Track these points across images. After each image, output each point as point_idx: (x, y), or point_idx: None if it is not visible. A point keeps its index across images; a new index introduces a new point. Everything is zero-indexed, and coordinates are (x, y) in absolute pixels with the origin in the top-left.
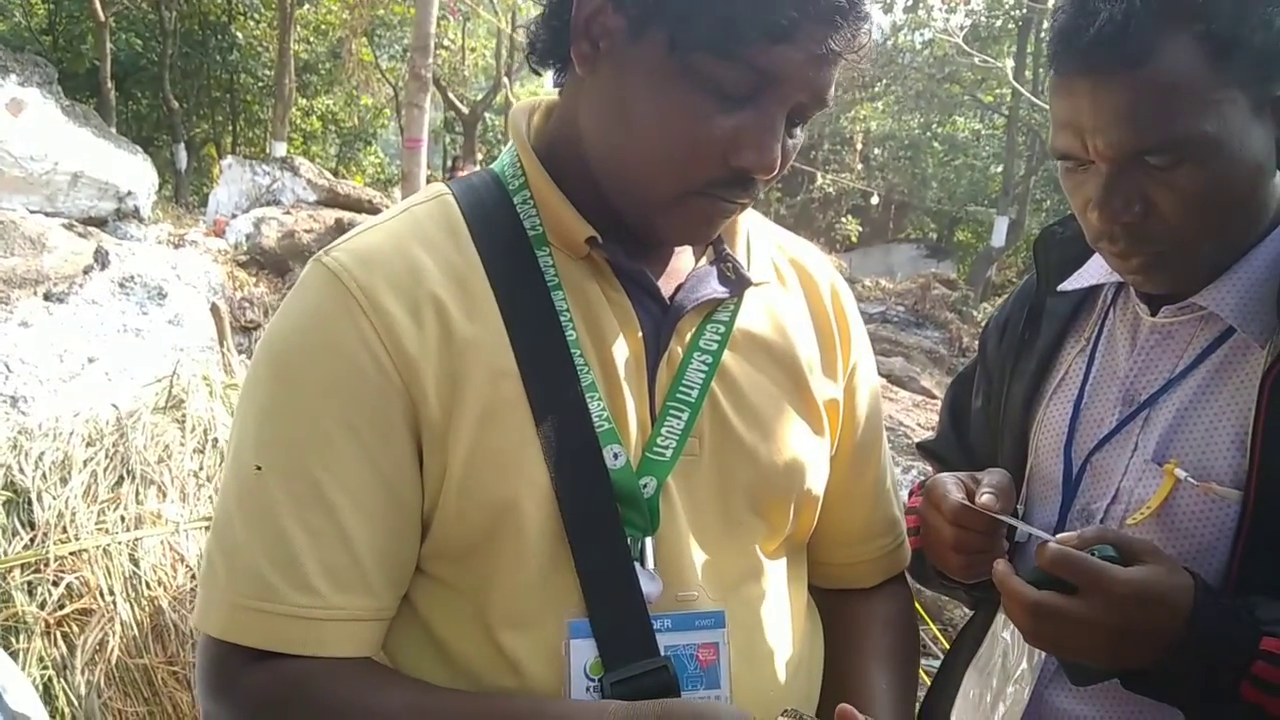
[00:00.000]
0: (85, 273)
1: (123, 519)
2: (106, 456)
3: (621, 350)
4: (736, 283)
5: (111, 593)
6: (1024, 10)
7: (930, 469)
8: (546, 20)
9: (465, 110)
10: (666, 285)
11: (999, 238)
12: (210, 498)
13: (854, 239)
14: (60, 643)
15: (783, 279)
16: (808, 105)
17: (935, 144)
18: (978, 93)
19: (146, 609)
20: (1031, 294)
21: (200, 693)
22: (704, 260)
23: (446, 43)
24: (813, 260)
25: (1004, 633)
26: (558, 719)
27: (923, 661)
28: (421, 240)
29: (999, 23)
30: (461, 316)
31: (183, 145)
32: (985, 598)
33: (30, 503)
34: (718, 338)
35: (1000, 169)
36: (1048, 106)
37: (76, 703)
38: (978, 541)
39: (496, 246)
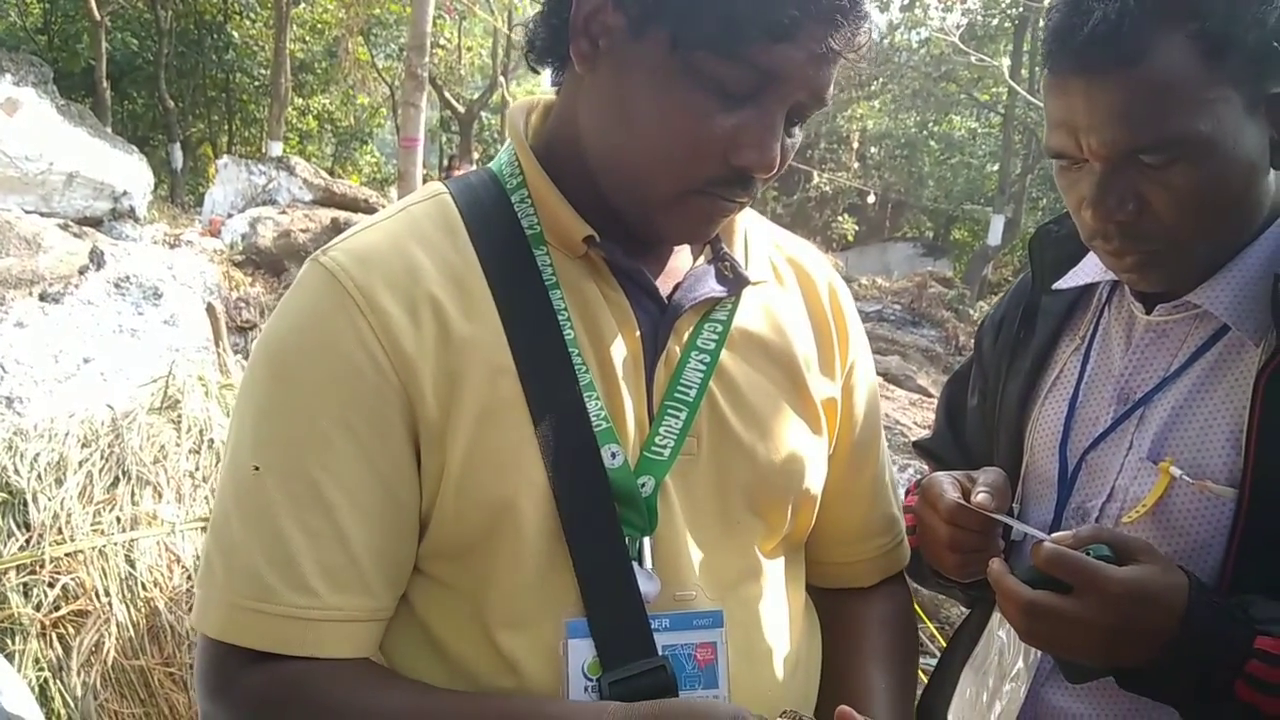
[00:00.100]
0: (81, 273)
1: (118, 520)
2: (102, 457)
3: (619, 349)
4: (734, 282)
5: (107, 594)
6: (1020, 9)
7: (926, 468)
8: (545, 18)
9: (461, 109)
10: (664, 284)
11: (995, 236)
12: (206, 498)
13: (850, 238)
14: (56, 644)
15: (780, 278)
16: (807, 104)
17: (931, 143)
18: (974, 91)
19: (142, 610)
20: (1027, 292)
21: (199, 693)
22: (702, 259)
23: (443, 42)
24: (810, 259)
25: (1000, 631)
26: (554, 717)
27: (920, 660)
28: (419, 239)
29: (995, 21)
30: (459, 316)
31: (178, 145)
32: (981, 596)
33: (25, 504)
34: (715, 337)
35: (996, 168)
36: (1043, 105)
37: (72, 704)
38: (973, 540)
39: (494, 246)
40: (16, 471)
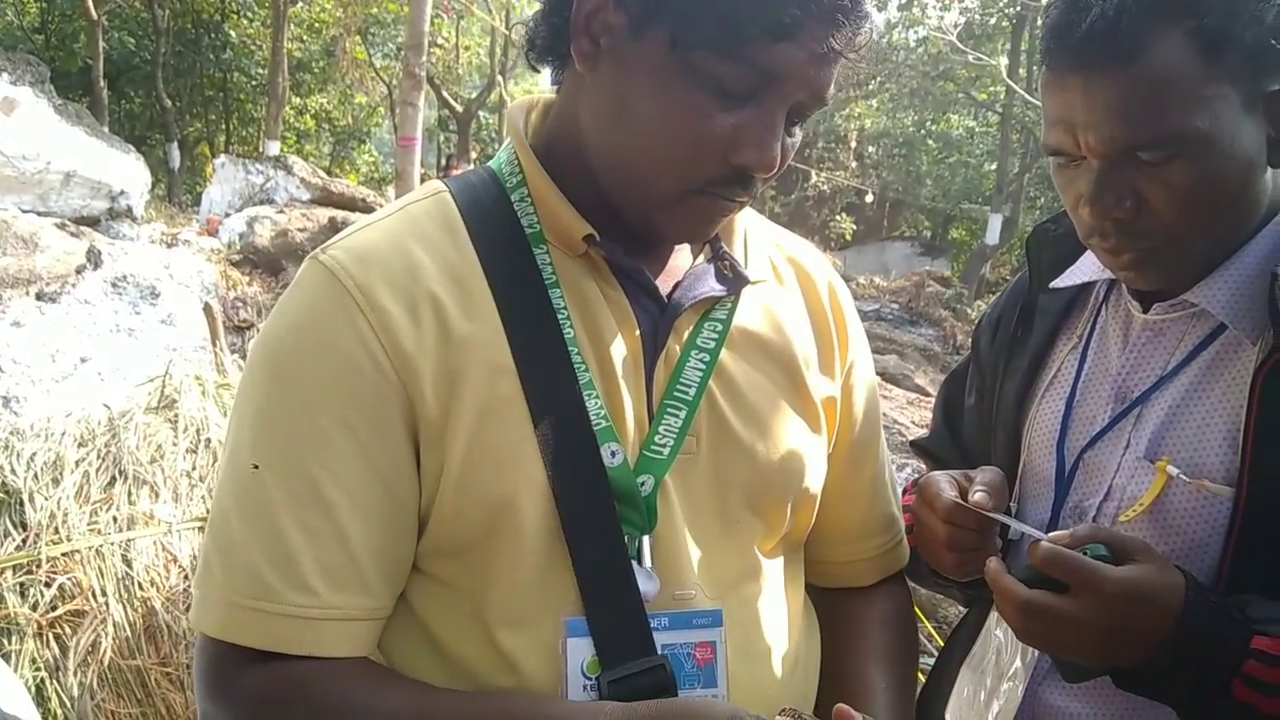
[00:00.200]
0: (78, 272)
1: (115, 520)
2: (99, 457)
3: (619, 348)
4: (734, 281)
5: (104, 594)
6: (1018, 8)
7: (924, 467)
8: (546, 17)
9: (459, 108)
10: (664, 283)
11: (993, 235)
12: (203, 498)
13: (848, 237)
14: (53, 644)
15: (780, 277)
16: (807, 104)
17: (929, 141)
18: (972, 90)
19: (139, 610)
20: (1024, 291)
21: (197, 692)
22: (701, 258)
23: (440, 41)
24: (810, 258)
25: (998, 630)
26: (552, 718)
27: (918, 659)
28: (419, 238)
29: (993, 20)
30: (459, 314)
31: (176, 144)
32: (979, 596)
33: (22, 504)
34: (715, 336)
35: (994, 166)
36: (1041, 104)
37: (69, 704)
38: (971, 539)
39: (494, 244)
40: (13, 471)
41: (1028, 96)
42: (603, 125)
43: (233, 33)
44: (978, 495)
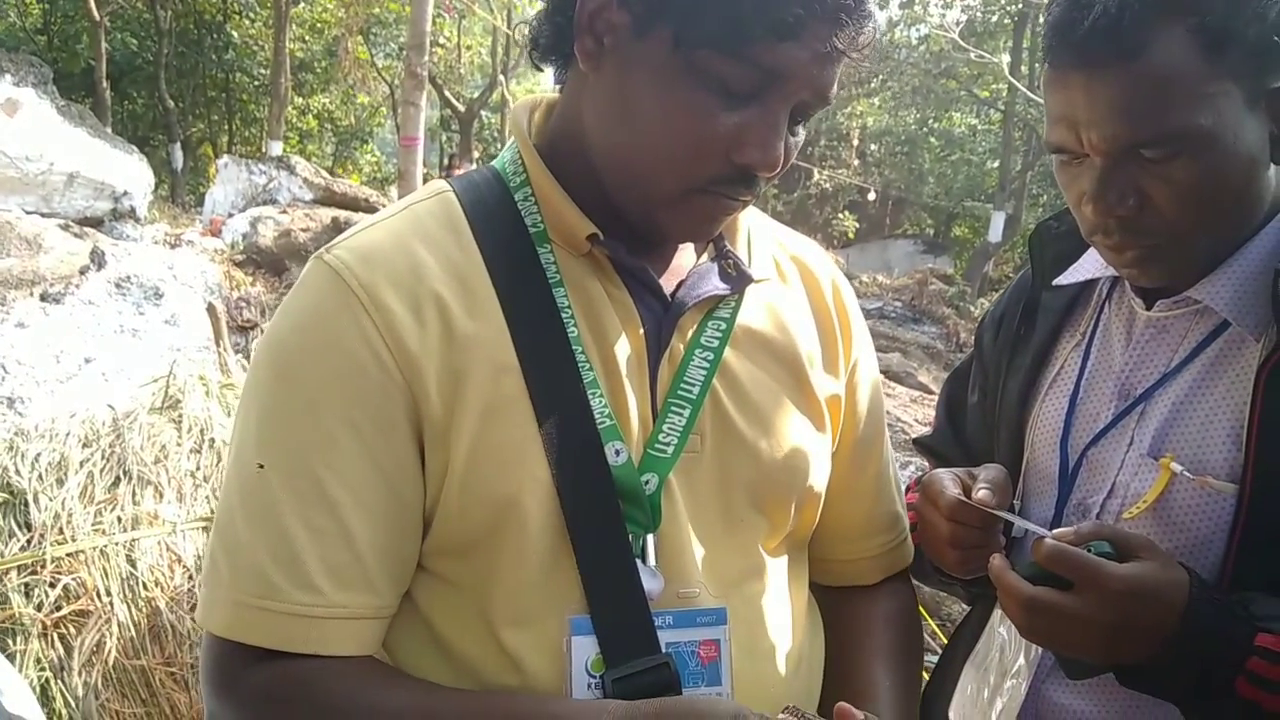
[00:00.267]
0: (81, 273)
1: (119, 520)
2: (103, 457)
3: (623, 347)
4: (738, 280)
5: (108, 594)
6: (1020, 5)
7: (927, 465)
8: (550, 16)
9: (461, 108)
10: (668, 282)
11: (996, 233)
12: (207, 498)
13: (851, 235)
14: (57, 644)
15: (784, 276)
16: (811, 103)
17: (932, 139)
18: (974, 88)
19: (144, 610)
20: (1027, 289)
21: (204, 691)
22: (705, 257)
23: (442, 41)
24: (814, 257)
25: (1001, 628)
26: (556, 716)
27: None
28: (423, 237)
29: (995, 18)
30: (463, 313)
31: (179, 145)
32: (982, 593)
33: (27, 504)
34: (719, 335)
35: (997, 164)
36: (1043, 101)
37: (74, 704)
38: (974, 537)
39: (498, 244)
40: (18, 472)
41: (1030, 94)
42: (606, 124)
43: (235, 33)
44: (981, 492)
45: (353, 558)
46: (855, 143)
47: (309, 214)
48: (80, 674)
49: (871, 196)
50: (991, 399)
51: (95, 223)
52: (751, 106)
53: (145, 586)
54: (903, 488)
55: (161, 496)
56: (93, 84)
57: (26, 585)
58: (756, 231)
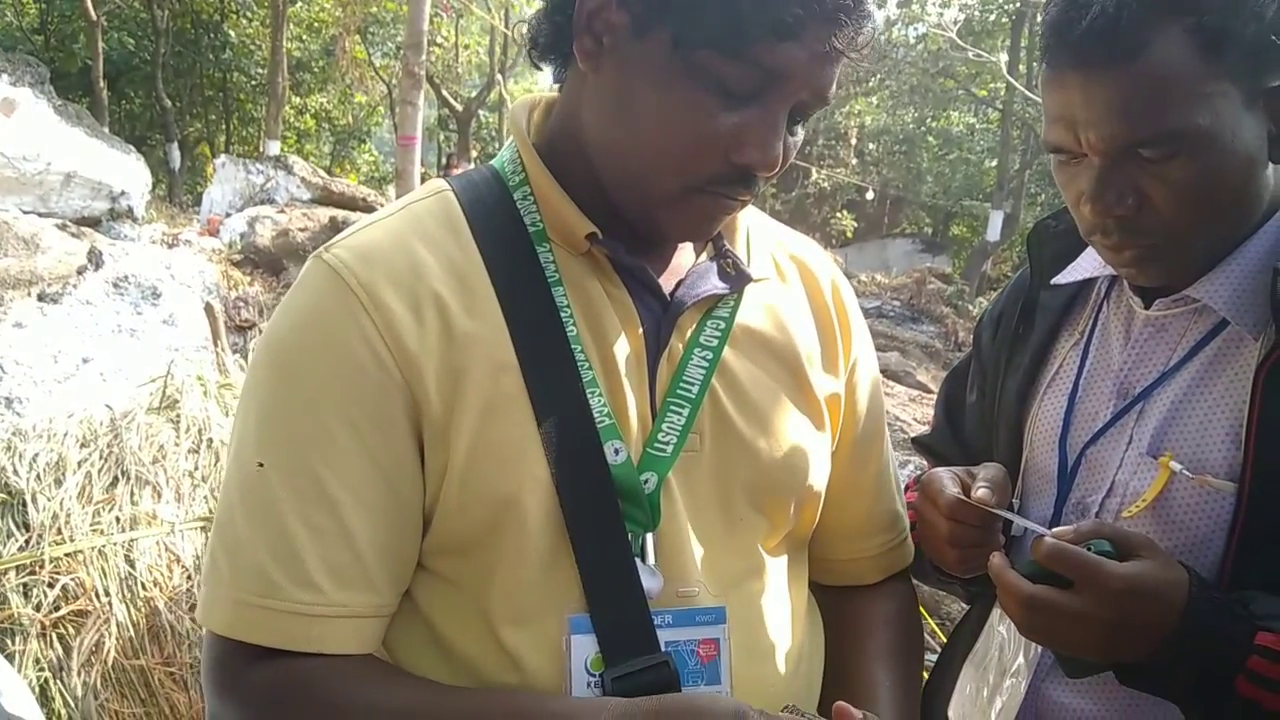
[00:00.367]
0: (79, 273)
1: (118, 520)
2: (101, 457)
3: (622, 346)
4: (736, 279)
5: (107, 594)
6: (1017, 4)
7: (925, 464)
8: (549, 15)
9: (459, 107)
10: (667, 281)
11: (994, 232)
12: (205, 498)
13: (849, 234)
14: (56, 644)
15: (783, 275)
16: (810, 103)
17: (930, 139)
18: (972, 87)
19: (142, 610)
20: (1025, 288)
21: (205, 690)
22: (704, 256)
23: (440, 40)
24: (813, 256)
25: (1000, 627)
26: (555, 714)
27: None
28: (422, 236)
29: (993, 17)
30: (462, 312)
31: (176, 144)
32: (981, 592)
33: (25, 504)
34: (718, 334)
35: (995, 163)
36: (1041, 101)
37: (73, 704)
38: (973, 536)
39: (497, 243)
40: (15, 472)
41: (1028, 93)
42: (605, 124)
43: (232, 33)
44: (980, 491)
45: (353, 556)
46: (853, 142)
47: (307, 213)
48: (79, 674)
49: (869, 195)
50: (990, 398)
51: (93, 222)
52: (750, 106)
53: (144, 586)
54: (902, 487)
55: (160, 496)
56: (90, 83)
57: (25, 585)
58: (756, 231)
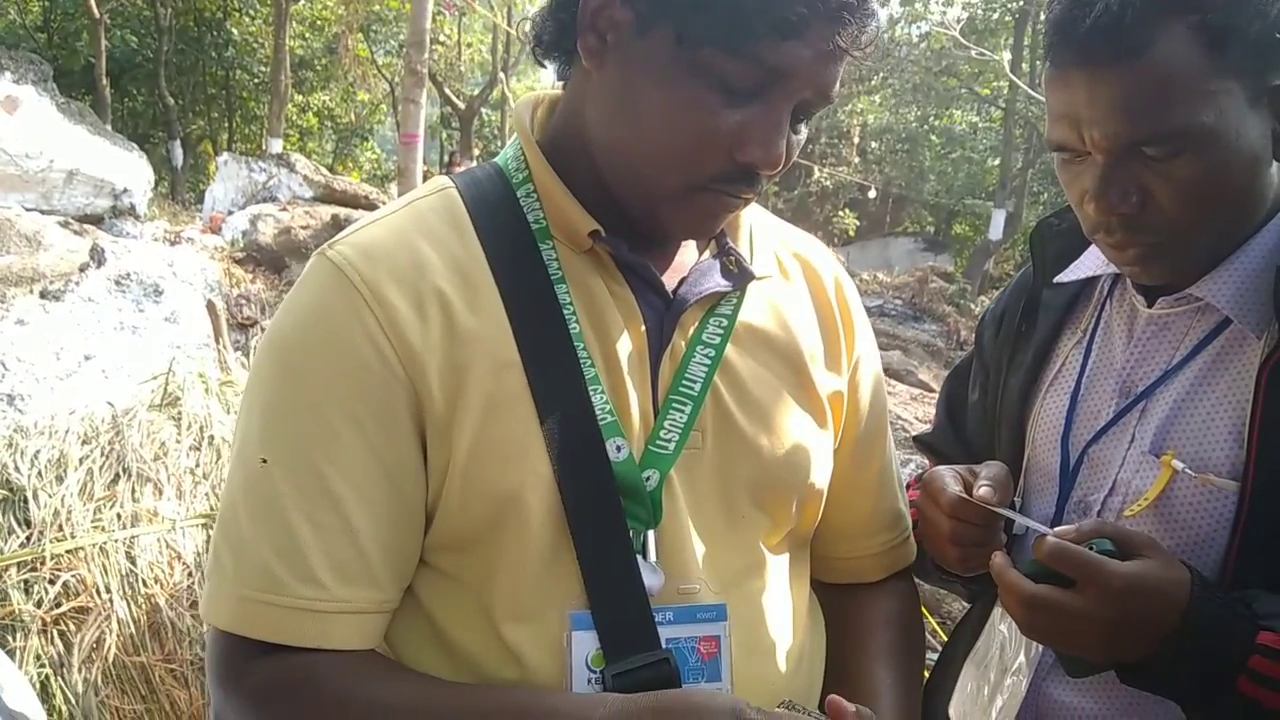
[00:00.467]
0: (81, 270)
1: (119, 517)
2: (102, 454)
3: (624, 344)
4: (739, 276)
5: (108, 590)
6: (1020, 2)
7: (927, 463)
8: (553, 12)
9: (461, 105)
10: (669, 279)
11: (996, 231)
12: (207, 495)
13: (851, 233)
14: (57, 641)
15: (786, 273)
16: (813, 101)
17: (932, 137)
18: (975, 86)
19: (143, 607)
20: (1028, 286)
21: (209, 684)
22: (707, 254)
23: (442, 38)
24: (816, 254)
25: (1001, 625)
26: (553, 710)
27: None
28: (425, 233)
29: (996, 15)
30: (465, 309)
31: (178, 142)
32: (983, 591)
33: (26, 501)
34: (720, 331)
35: (997, 162)
36: (1044, 99)
37: (74, 701)
38: (975, 534)
39: (500, 240)
40: (17, 469)
41: (1030, 92)
42: (608, 121)
43: (235, 30)
44: (982, 490)
45: (356, 552)
46: (856, 140)
47: (309, 211)
48: (80, 670)
49: (872, 194)
50: (992, 396)
51: (95, 220)
52: (754, 104)
53: (145, 583)
54: (904, 485)
55: (161, 493)
56: (93, 81)
57: (26, 582)
58: (759, 228)
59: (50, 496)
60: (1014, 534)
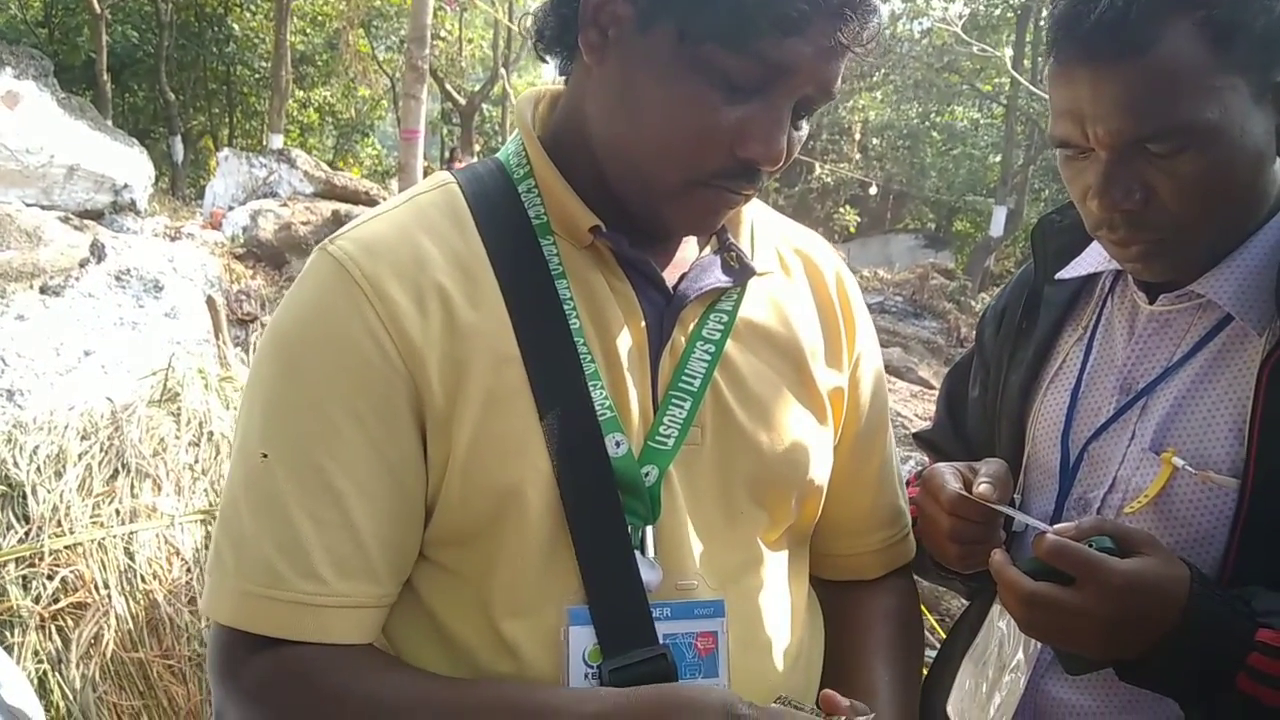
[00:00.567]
0: (81, 266)
1: (118, 512)
2: (101, 450)
3: (624, 339)
4: (740, 272)
5: (106, 586)
6: None
7: (927, 459)
8: (555, 8)
9: (462, 101)
10: (670, 275)
11: (997, 227)
12: (206, 491)
13: (852, 229)
14: (55, 637)
15: (787, 269)
16: (815, 98)
17: (934, 133)
18: (976, 82)
19: (142, 603)
20: (1029, 282)
21: (210, 679)
22: (708, 250)
23: (443, 34)
24: (817, 250)
25: (1000, 622)
26: (547, 704)
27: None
28: (426, 229)
29: (997, 11)
30: (465, 304)
31: (179, 137)
32: (982, 588)
33: (25, 496)
34: (720, 327)
35: (999, 158)
36: (1046, 95)
37: (72, 697)
38: (975, 531)
39: (501, 235)
40: (16, 464)
41: (1032, 88)
42: (609, 117)
43: (236, 26)
44: (982, 487)
45: (356, 547)
46: (857, 137)
47: (309, 207)
48: (78, 666)
49: (873, 191)
50: (992, 393)
51: (95, 215)
52: (755, 100)
53: (143, 579)
54: (904, 482)
55: (160, 489)
56: (93, 77)
57: (24, 578)
58: (760, 224)
59: (49, 492)
60: (1013, 531)
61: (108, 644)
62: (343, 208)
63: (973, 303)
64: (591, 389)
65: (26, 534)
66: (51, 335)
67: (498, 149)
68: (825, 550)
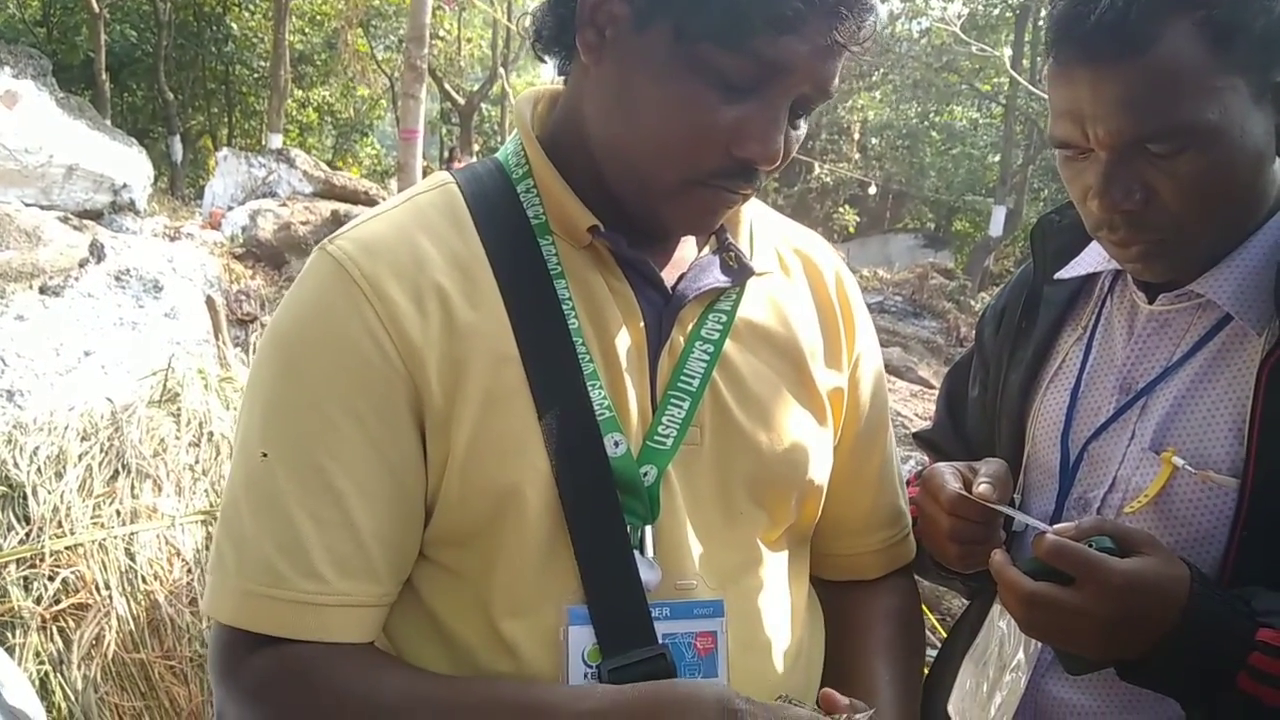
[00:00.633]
0: (81, 266)
1: (118, 513)
2: (102, 450)
3: (623, 339)
4: (739, 272)
5: (107, 587)
6: None
7: (927, 459)
8: (553, 8)
9: (461, 101)
10: (669, 274)
11: (997, 227)
12: (206, 491)
13: (852, 229)
14: (56, 638)
15: (786, 269)
16: (812, 96)
17: (933, 133)
18: (975, 82)
19: (143, 603)
20: (1029, 282)
21: (211, 679)
22: (706, 250)
23: (442, 33)
24: (817, 250)
25: (1000, 622)
26: (543, 701)
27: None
28: (425, 229)
29: (996, 11)
30: (464, 304)
31: (178, 137)
32: (982, 588)
33: (25, 497)
34: (719, 327)
35: (998, 158)
36: (1045, 95)
37: (73, 698)
38: (975, 531)
39: (500, 235)
40: (16, 465)
41: (1031, 88)
42: (606, 116)
43: (234, 25)
44: (982, 487)
45: (356, 547)
46: (856, 136)
47: (308, 207)
48: (79, 667)
49: (872, 190)
50: (992, 393)
51: (94, 215)
52: (751, 100)
53: (144, 580)
54: (904, 482)
55: (160, 490)
56: (92, 76)
57: (25, 579)
58: (759, 224)
59: (49, 493)
60: (1013, 531)
61: (109, 645)
62: (342, 207)
63: (972, 302)
64: (590, 389)
65: (27, 535)
66: (51, 335)
67: (497, 149)
68: (826, 550)
